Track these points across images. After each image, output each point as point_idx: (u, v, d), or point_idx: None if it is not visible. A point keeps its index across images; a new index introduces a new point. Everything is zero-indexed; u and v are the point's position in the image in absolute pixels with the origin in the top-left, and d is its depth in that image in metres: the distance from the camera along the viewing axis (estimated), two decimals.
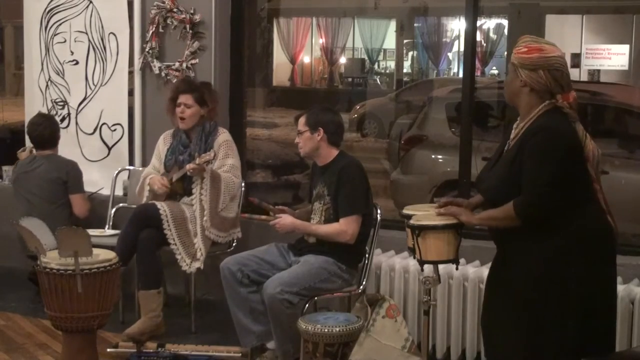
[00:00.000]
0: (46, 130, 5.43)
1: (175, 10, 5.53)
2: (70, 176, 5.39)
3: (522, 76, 3.08)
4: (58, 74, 6.12)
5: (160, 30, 5.60)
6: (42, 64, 6.19)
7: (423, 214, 3.49)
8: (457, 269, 3.93)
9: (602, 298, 3.08)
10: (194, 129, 4.95)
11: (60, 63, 6.11)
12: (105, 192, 5.75)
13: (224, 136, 4.96)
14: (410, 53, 19.53)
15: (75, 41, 6.03)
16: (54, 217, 5.01)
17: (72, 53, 6.05)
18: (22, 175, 5.42)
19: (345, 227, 4.13)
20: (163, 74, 5.58)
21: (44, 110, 6.04)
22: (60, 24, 6.08)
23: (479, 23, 5.44)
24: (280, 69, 19.97)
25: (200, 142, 4.92)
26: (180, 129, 4.97)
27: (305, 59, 20.49)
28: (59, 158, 5.49)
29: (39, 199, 5.31)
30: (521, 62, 3.08)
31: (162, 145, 5.11)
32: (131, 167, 5.77)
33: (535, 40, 3.13)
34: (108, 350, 4.44)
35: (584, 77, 13.07)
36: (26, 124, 5.67)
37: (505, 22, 16.08)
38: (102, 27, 5.89)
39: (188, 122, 4.92)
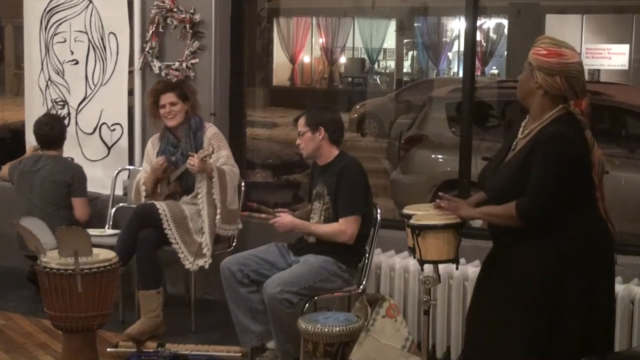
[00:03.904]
0: (53, 131, 5.41)
1: (175, 10, 5.53)
2: (75, 180, 5.37)
3: (537, 78, 3.05)
4: (58, 74, 6.12)
5: (160, 30, 5.60)
6: (42, 64, 6.19)
7: (423, 213, 3.49)
8: (457, 268, 3.93)
9: (601, 303, 3.07)
10: (180, 128, 4.97)
11: (60, 63, 6.11)
12: (105, 191, 5.75)
13: (211, 130, 4.99)
14: (410, 53, 19.55)
15: (75, 41, 6.03)
16: (55, 219, 4.99)
17: (72, 53, 6.05)
18: (26, 173, 5.40)
19: (344, 228, 4.13)
20: (163, 74, 5.58)
21: (44, 110, 6.04)
22: (60, 24, 6.08)
23: (479, 23, 5.44)
24: (280, 69, 19.99)
25: (189, 139, 4.93)
26: (170, 126, 4.98)
27: (305, 58, 20.51)
28: (65, 160, 5.48)
29: (40, 199, 5.30)
30: (539, 65, 3.04)
31: (151, 149, 5.12)
32: (131, 167, 5.77)
33: (555, 43, 3.07)
34: (108, 350, 4.44)
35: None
36: (32, 123, 5.63)
37: (505, 22, 16.09)
38: (102, 26, 5.89)
39: (177, 119, 4.94)
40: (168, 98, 4.93)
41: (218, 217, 4.77)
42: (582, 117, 3.09)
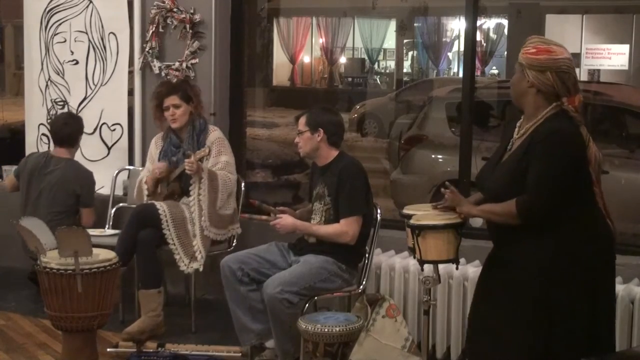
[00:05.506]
0: (66, 128, 5.36)
1: (175, 10, 5.53)
2: (84, 190, 5.32)
3: (529, 77, 3.08)
4: (58, 74, 6.12)
5: (160, 30, 5.61)
6: (42, 64, 6.18)
7: (423, 213, 3.49)
8: (457, 268, 3.92)
9: (601, 301, 3.08)
10: (184, 129, 4.97)
11: (60, 63, 6.11)
12: (105, 192, 5.75)
13: (215, 134, 4.98)
14: (410, 53, 19.53)
15: (75, 41, 6.03)
16: (57, 223, 4.95)
17: (72, 53, 6.05)
18: (35, 174, 5.33)
19: (346, 228, 4.13)
20: (163, 74, 5.58)
21: (44, 110, 6.04)
22: (60, 24, 6.08)
23: (479, 23, 5.45)
24: (280, 69, 19.97)
25: (192, 140, 4.93)
26: (173, 128, 4.98)
27: (305, 58, 20.49)
28: (77, 167, 5.39)
29: (45, 202, 5.24)
30: (529, 63, 3.08)
31: (154, 149, 5.12)
32: (131, 167, 5.78)
33: (543, 41, 3.11)
34: (108, 350, 4.44)
35: (584, 77, 13.07)
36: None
37: (505, 22, 16.08)
38: (102, 26, 5.89)
39: (181, 121, 4.94)
40: (171, 100, 4.93)
41: (204, 218, 4.75)
42: (575, 113, 3.10)
